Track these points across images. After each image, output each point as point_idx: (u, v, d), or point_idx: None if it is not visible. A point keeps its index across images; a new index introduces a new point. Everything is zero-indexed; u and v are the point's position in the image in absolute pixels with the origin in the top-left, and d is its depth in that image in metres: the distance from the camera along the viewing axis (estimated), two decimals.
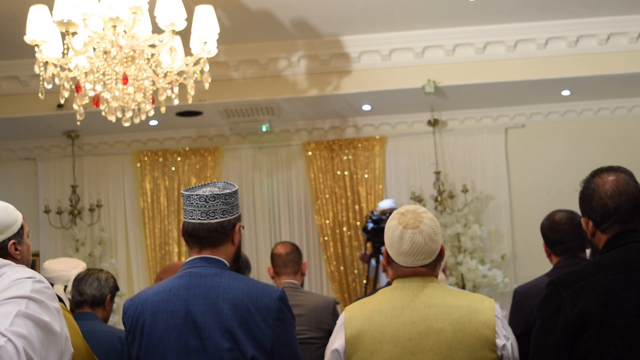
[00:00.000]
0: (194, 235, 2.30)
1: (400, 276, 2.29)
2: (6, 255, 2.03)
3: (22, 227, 2.11)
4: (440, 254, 2.32)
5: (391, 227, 2.30)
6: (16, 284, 1.47)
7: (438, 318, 2.18)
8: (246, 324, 2.18)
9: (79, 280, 3.17)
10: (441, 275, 3.40)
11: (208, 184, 2.37)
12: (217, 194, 2.29)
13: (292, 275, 3.64)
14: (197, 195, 2.29)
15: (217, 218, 2.29)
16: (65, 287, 3.44)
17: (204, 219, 2.28)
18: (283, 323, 2.23)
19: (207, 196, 2.28)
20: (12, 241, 2.05)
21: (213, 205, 2.28)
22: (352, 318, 2.26)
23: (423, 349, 2.15)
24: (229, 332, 2.17)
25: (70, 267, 3.57)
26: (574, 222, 3.07)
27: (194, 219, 2.29)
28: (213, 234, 2.29)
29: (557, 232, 3.07)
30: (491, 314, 2.20)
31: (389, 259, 2.34)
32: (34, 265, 6.60)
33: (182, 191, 2.35)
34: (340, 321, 2.30)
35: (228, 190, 2.32)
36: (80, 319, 3.07)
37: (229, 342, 2.16)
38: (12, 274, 1.51)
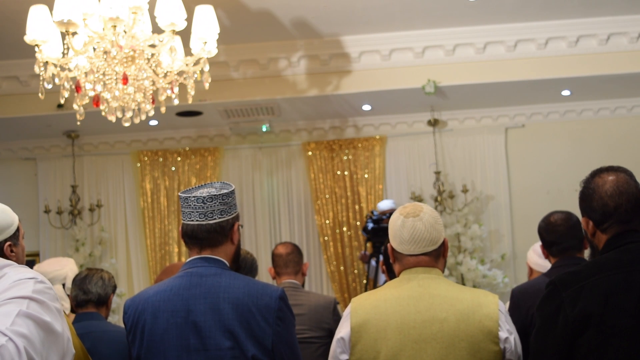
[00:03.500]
0: (194, 237, 2.31)
1: (405, 267, 2.33)
2: (1, 256, 2.03)
3: (18, 229, 2.12)
4: (444, 246, 2.36)
5: (393, 219, 2.36)
6: (18, 285, 1.47)
7: (442, 308, 2.20)
8: (247, 323, 2.18)
9: (82, 279, 3.16)
10: None
11: (205, 184, 2.37)
12: (215, 195, 2.29)
13: (292, 275, 3.65)
14: (194, 197, 2.29)
15: (215, 219, 2.29)
16: (64, 285, 3.44)
17: (203, 220, 2.29)
18: (283, 322, 2.24)
19: (204, 197, 2.28)
20: (8, 243, 2.06)
21: (211, 206, 2.28)
22: (359, 307, 2.29)
23: (426, 337, 2.18)
24: (230, 332, 2.17)
25: (63, 265, 3.56)
26: (570, 223, 3.07)
27: (192, 220, 2.30)
28: (212, 234, 2.30)
29: (553, 233, 3.08)
30: (495, 308, 2.22)
31: (394, 254, 2.37)
32: (33, 266, 6.60)
33: (179, 194, 2.35)
34: (346, 311, 2.33)
35: (225, 191, 2.32)
36: (88, 318, 3.07)
37: (229, 341, 2.17)
38: (14, 274, 1.51)
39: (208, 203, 2.28)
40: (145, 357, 2.24)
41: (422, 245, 2.29)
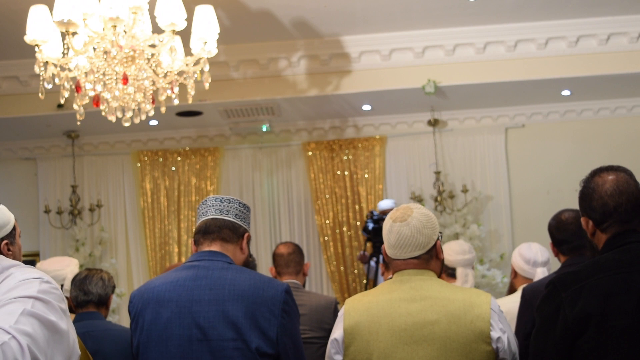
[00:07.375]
0: (206, 231, 2.37)
1: (396, 270, 2.35)
2: None
3: (14, 228, 2.12)
4: (435, 249, 2.35)
5: (384, 223, 2.39)
6: (23, 284, 1.47)
7: (434, 310, 2.21)
8: (252, 314, 2.21)
9: (83, 279, 3.16)
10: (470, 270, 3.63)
11: None
12: (232, 199, 2.40)
13: (294, 275, 3.64)
14: (213, 197, 2.40)
15: (230, 217, 2.37)
16: (62, 285, 3.44)
17: (218, 215, 2.37)
18: (289, 315, 2.27)
19: (222, 198, 2.39)
20: (5, 241, 2.07)
21: (228, 206, 2.38)
22: (351, 309, 2.32)
23: (418, 339, 2.19)
24: (234, 323, 2.20)
25: (64, 266, 3.56)
26: (580, 222, 3.07)
27: (207, 216, 2.38)
28: (225, 230, 2.37)
29: (563, 231, 3.07)
30: (486, 308, 2.22)
31: (386, 255, 2.40)
32: (35, 265, 6.59)
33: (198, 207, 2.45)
34: (340, 312, 2.35)
35: (243, 202, 2.43)
36: (88, 318, 3.08)
37: (233, 333, 2.19)
38: (20, 274, 1.52)
39: (225, 203, 2.38)
40: (147, 345, 2.26)
41: (408, 250, 2.30)
